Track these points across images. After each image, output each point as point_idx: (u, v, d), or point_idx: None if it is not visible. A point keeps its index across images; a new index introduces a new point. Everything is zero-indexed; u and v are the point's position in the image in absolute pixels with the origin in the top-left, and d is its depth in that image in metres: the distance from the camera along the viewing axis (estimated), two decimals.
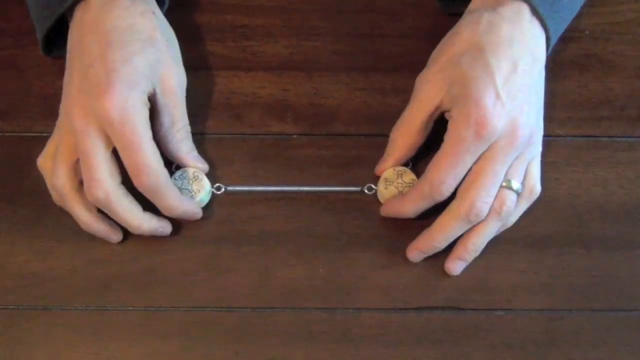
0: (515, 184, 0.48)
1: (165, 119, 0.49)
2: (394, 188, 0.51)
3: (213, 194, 0.52)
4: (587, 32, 0.56)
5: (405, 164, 0.52)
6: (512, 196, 0.48)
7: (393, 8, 0.56)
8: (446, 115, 0.49)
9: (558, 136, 0.53)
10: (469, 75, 0.46)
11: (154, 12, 0.49)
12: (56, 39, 0.53)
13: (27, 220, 0.52)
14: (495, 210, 0.48)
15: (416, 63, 0.54)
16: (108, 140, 0.46)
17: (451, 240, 0.50)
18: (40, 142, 0.53)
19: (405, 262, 0.51)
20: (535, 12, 0.48)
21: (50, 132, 0.50)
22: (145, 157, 0.46)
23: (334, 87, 0.54)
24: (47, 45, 0.52)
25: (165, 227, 0.50)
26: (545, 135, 0.53)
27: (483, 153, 0.47)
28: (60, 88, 0.53)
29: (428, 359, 0.49)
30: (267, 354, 0.49)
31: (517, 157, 0.48)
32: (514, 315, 0.50)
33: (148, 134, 0.47)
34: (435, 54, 0.50)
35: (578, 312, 0.50)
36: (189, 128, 0.51)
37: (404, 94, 0.53)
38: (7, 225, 0.52)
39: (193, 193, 0.50)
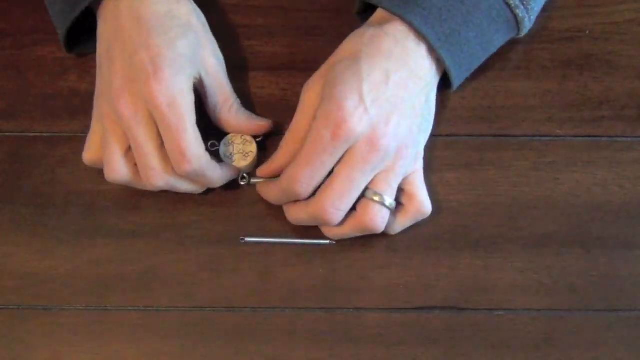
0: (388, 200, 0.47)
1: (218, 98, 0.50)
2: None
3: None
4: (587, 32, 0.56)
5: None
6: (382, 212, 0.47)
7: None
8: None
9: (558, 136, 0.53)
10: (339, 79, 0.47)
11: None
12: (77, 35, 0.52)
13: (27, 220, 0.52)
14: (360, 221, 0.48)
15: None
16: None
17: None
18: (40, 142, 0.53)
19: (405, 262, 0.51)
20: (422, 37, 0.48)
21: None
22: (187, 143, 0.46)
23: None
24: (69, 42, 0.52)
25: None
26: (545, 135, 0.53)
27: (343, 157, 0.46)
28: (60, 88, 0.54)
29: (428, 359, 0.49)
30: (267, 354, 0.49)
31: (385, 170, 0.47)
32: (514, 315, 0.50)
33: (193, 120, 0.47)
34: (323, 65, 0.50)
35: (578, 312, 0.50)
36: (239, 101, 0.52)
37: None
38: (7, 225, 0.52)
39: (246, 154, 0.51)
